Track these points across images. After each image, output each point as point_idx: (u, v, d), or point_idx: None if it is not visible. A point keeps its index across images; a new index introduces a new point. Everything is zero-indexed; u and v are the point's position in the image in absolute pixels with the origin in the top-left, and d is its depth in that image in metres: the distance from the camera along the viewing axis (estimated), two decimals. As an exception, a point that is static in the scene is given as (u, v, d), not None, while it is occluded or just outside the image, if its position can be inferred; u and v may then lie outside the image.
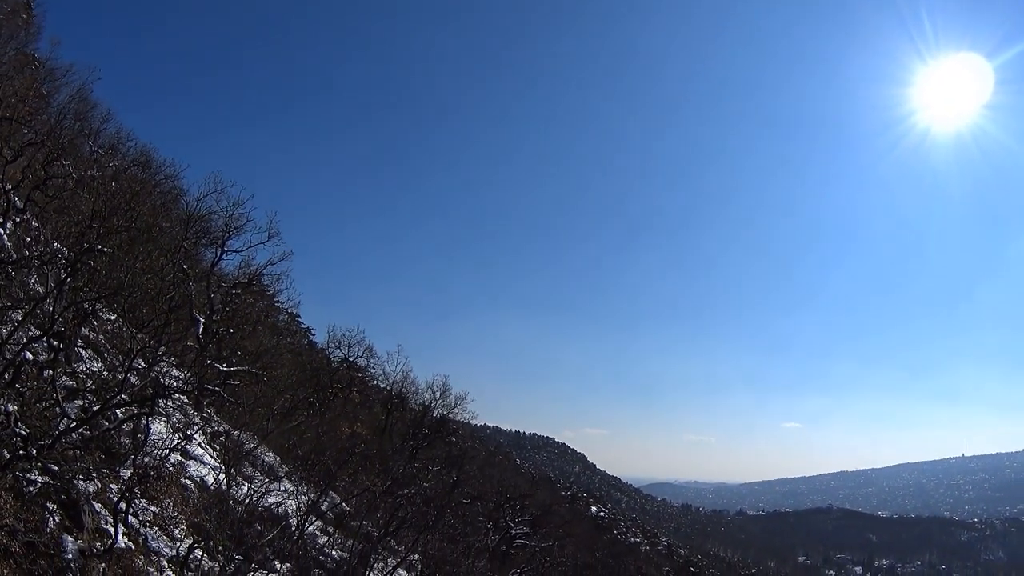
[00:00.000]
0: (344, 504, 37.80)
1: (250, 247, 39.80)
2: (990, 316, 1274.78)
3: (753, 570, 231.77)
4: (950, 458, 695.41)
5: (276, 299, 52.05)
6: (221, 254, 39.12)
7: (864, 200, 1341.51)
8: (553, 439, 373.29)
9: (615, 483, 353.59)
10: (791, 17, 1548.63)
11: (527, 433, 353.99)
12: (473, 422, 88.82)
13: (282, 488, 30.78)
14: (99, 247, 21.74)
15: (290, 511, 29.06)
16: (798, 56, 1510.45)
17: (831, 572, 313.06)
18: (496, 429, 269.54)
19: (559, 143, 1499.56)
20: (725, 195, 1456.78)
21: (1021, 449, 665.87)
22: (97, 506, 17.20)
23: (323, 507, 34.60)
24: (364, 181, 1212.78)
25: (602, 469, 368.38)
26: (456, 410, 71.81)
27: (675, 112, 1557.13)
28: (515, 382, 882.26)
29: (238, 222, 38.30)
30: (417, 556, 36.32)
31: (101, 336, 28.14)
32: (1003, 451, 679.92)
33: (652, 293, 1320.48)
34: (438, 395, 70.47)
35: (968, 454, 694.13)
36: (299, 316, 69.66)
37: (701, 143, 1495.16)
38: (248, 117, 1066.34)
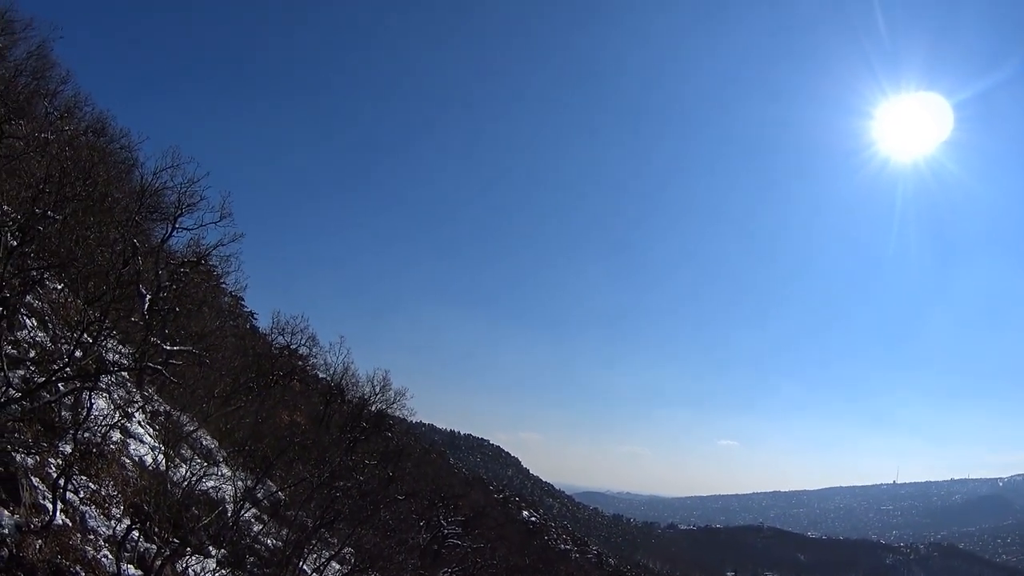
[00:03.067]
0: (280, 493, 37.42)
1: (201, 226, 39.10)
2: (930, 349, 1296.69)
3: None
4: (881, 484, 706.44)
5: (222, 281, 51.22)
6: (172, 231, 38.41)
7: (820, 226, 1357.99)
8: (488, 441, 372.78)
9: (548, 489, 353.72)
10: (759, 44, 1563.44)
11: (462, 433, 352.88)
12: (410, 419, 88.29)
13: (219, 473, 30.41)
14: (51, 214, 21.26)
15: (227, 497, 28.68)
16: (763, 82, 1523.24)
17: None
18: (431, 427, 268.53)
19: (513, 148, 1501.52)
20: (680, 212, 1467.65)
21: (949, 479, 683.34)
22: (35, 481, 16.79)
23: (259, 495, 34.21)
24: (318, 170, 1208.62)
25: (535, 474, 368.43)
26: (395, 405, 71.61)
27: (632, 126, 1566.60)
28: (453, 381, 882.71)
29: (192, 199, 37.58)
30: (350, 550, 35.93)
31: (47, 306, 27.53)
32: (932, 479, 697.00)
33: (597, 303, 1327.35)
34: (378, 389, 70.17)
35: (899, 481, 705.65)
36: (244, 300, 68.94)
37: (659, 158, 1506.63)
38: (207, 95, 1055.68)
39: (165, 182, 37.00)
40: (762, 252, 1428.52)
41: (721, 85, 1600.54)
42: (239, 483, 30.17)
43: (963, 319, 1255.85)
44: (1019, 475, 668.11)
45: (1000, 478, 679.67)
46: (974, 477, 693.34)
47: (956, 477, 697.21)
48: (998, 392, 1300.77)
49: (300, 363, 65.36)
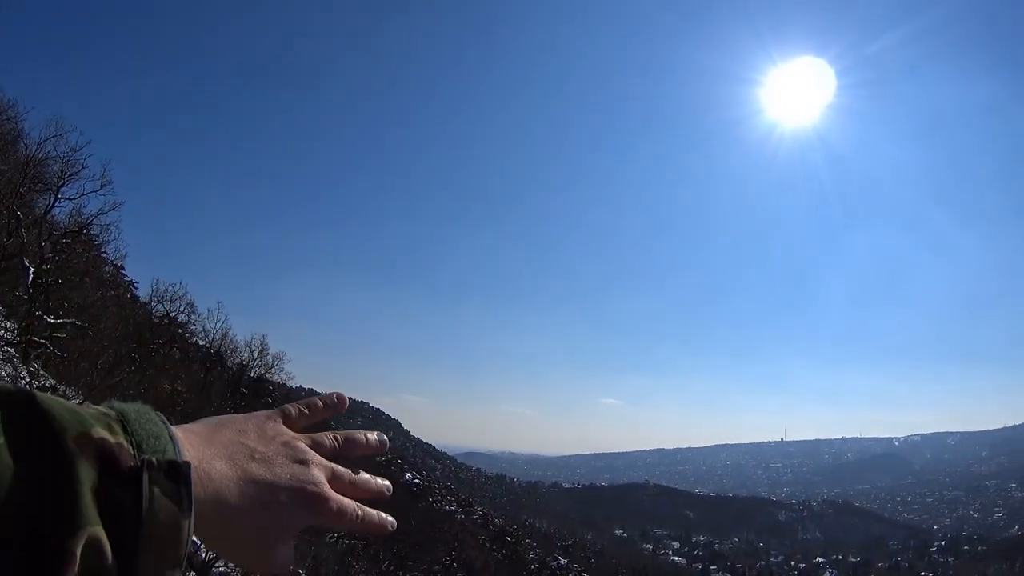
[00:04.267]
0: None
1: (83, 195, 38.82)
2: (820, 311, 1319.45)
3: (570, 541, 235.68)
4: (769, 442, 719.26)
5: (103, 250, 50.82)
6: (55, 201, 38.20)
7: (710, 190, 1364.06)
8: (368, 404, 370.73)
9: (429, 450, 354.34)
10: (647, 13, 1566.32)
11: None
12: (289, 384, 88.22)
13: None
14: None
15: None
16: (651, 50, 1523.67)
17: (648, 546, 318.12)
18: (312, 391, 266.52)
19: (396, 109, 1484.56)
20: (569, 178, 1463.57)
21: (840, 437, 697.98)
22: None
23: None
24: (203, 139, 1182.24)
25: (416, 436, 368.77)
26: (273, 370, 71.64)
27: (519, 95, 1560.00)
28: (333, 346, 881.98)
29: (74, 168, 37.41)
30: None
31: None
32: (822, 438, 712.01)
33: (478, 264, 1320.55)
34: (256, 354, 70.15)
35: (788, 439, 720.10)
36: (124, 269, 68.14)
37: (548, 124, 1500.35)
38: (96, 60, 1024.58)
39: (49, 152, 36.81)
40: (653, 218, 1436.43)
41: (613, 53, 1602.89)
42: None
43: (856, 284, 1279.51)
44: (916, 435, 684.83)
45: (896, 437, 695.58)
46: (867, 436, 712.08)
47: (848, 436, 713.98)
48: (891, 357, 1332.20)
49: (179, 331, 65.01)
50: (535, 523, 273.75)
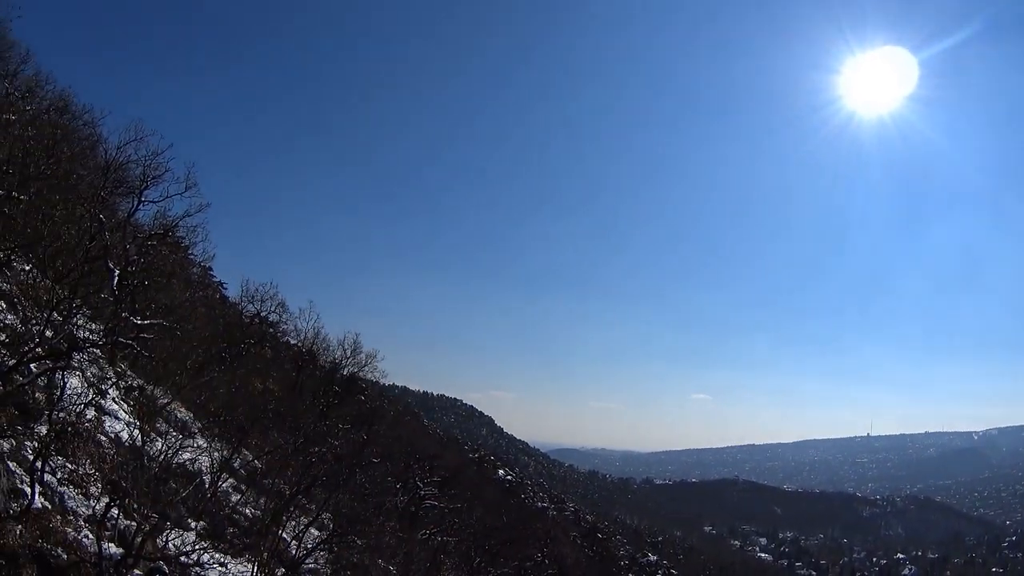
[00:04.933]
0: (256, 462, 37.62)
1: (167, 198, 38.89)
2: (902, 302, 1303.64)
3: (660, 538, 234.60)
4: (856, 437, 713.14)
5: (191, 252, 51.08)
6: (138, 204, 38.32)
7: (789, 181, 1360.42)
8: (461, 401, 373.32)
9: (522, 447, 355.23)
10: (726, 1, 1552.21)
11: (435, 394, 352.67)
12: (382, 381, 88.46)
13: (195, 444, 30.52)
14: (16, 195, 21.22)
15: (203, 468, 28.83)
16: (727, 39, 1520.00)
17: (736, 542, 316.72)
18: (404, 389, 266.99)
19: (478, 109, 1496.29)
20: (648, 170, 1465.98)
21: (924, 431, 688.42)
22: (12, 465, 16.87)
23: (236, 464, 34.39)
24: (284, 137, 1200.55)
25: (509, 433, 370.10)
26: (366, 368, 71.57)
27: (597, 85, 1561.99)
28: (425, 343, 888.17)
29: (156, 172, 37.41)
30: (329, 515, 36.17)
31: (15, 287, 27.48)
32: (907, 432, 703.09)
33: (568, 261, 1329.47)
34: (349, 353, 70.18)
35: (874, 434, 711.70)
36: (212, 270, 68.70)
37: (625, 116, 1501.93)
38: (172, 65, 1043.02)
39: (129, 156, 36.91)
40: (733, 209, 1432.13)
41: (687, 42, 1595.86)
42: (215, 454, 30.29)
43: (937, 276, 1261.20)
44: (994, 429, 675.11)
45: (975, 431, 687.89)
46: (949, 430, 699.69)
47: (931, 430, 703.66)
48: (972, 348, 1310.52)
49: (271, 330, 65.30)
50: (626, 519, 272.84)
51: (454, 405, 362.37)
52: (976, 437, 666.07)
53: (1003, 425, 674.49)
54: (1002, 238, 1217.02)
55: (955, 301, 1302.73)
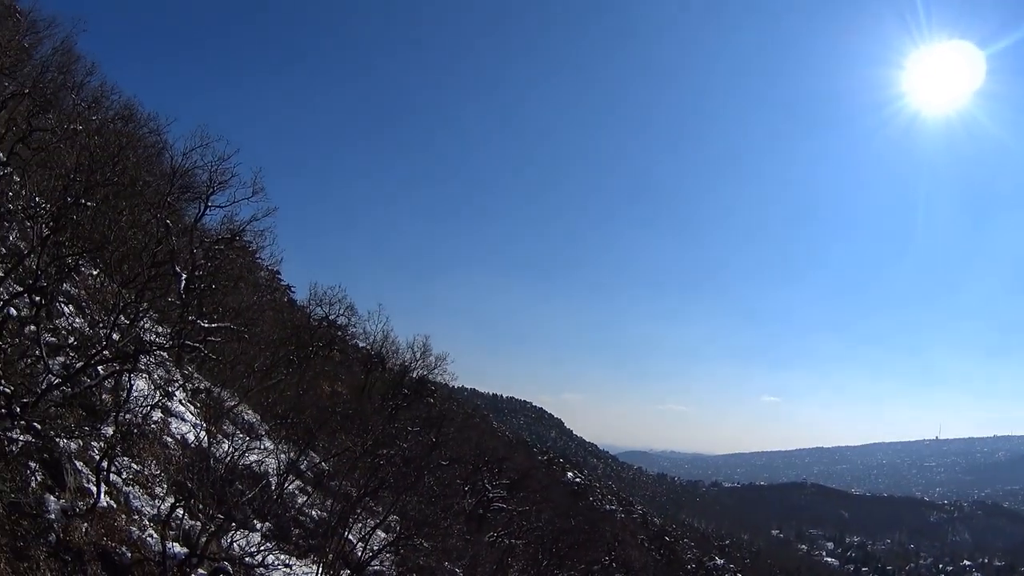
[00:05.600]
0: (323, 464, 37.81)
1: (234, 202, 39.36)
2: (971, 303, 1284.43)
3: (727, 541, 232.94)
4: (924, 440, 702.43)
5: (258, 255, 51.63)
6: (205, 209, 38.85)
7: (855, 179, 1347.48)
8: (530, 403, 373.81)
9: (591, 450, 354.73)
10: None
11: (504, 396, 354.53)
12: (452, 384, 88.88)
13: (262, 447, 30.77)
14: (83, 201, 21.53)
15: (270, 470, 29.05)
16: (792, 36, 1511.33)
17: (803, 547, 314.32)
18: (474, 392, 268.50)
19: (551, 110, 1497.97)
20: (719, 169, 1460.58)
21: (992, 435, 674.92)
22: (79, 465, 17.10)
23: (302, 466, 34.63)
24: (352, 140, 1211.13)
25: (578, 435, 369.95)
26: (436, 371, 71.91)
27: (668, 86, 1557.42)
28: (494, 345, 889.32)
29: (222, 177, 37.88)
30: (396, 517, 36.28)
31: (83, 292, 27.91)
32: (976, 436, 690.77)
33: (639, 262, 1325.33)
34: (418, 355, 70.51)
35: (942, 437, 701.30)
36: (280, 273, 69.30)
37: (695, 117, 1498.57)
38: (238, 70, 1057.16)
39: (195, 162, 37.41)
40: (799, 208, 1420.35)
41: (755, 40, 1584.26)
42: (282, 456, 30.50)
43: (1007, 274, 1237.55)
44: None
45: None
46: (1018, 434, 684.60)
47: (1000, 434, 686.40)
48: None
49: (339, 333, 65.68)
50: (694, 523, 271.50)
51: (523, 407, 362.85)
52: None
53: None
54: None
55: None
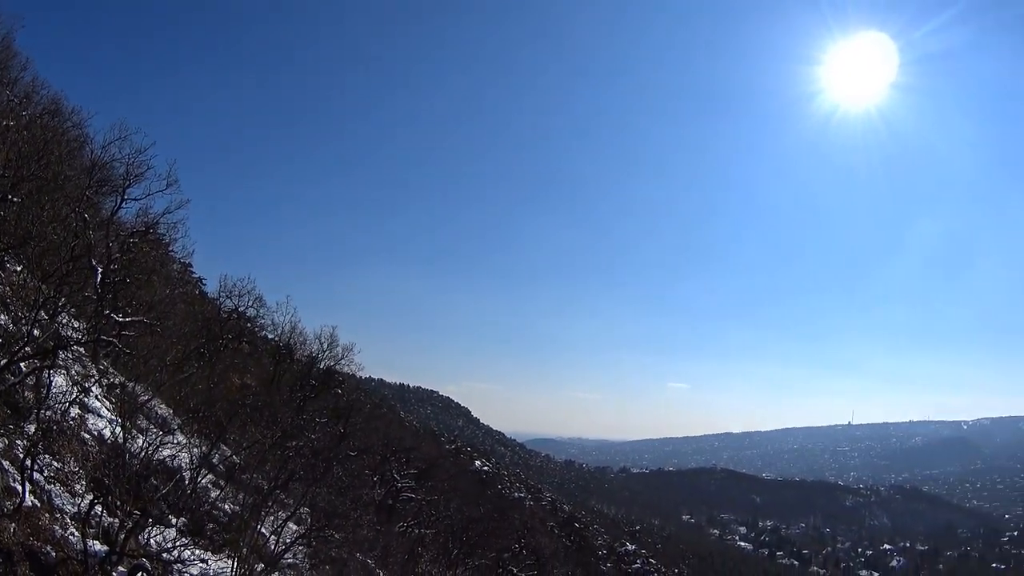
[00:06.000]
0: (235, 457, 38.12)
1: (149, 195, 39.33)
2: (887, 291, 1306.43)
3: (637, 527, 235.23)
4: (836, 425, 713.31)
5: (171, 248, 51.55)
6: (121, 202, 38.79)
7: (769, 173, 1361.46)
8: (437, 392, 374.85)
9: (498, 438, 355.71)
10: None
11: (411, 386, 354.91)
12: (359, 374, 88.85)
13: (175, 441, 30.99)
14: (9, 197, 21.83)
15: (183, 464, 29.33)
16: (712, 33, 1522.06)
17: (715, 531, 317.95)
18: (381, 381, 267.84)
19: (458, 101, 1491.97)
20: (627, 160, 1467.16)
21: (908, 420, 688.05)
22: (5, 464, 17.47)
23: (215, 460, 34.89)
24: (260, 133, 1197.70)
25: (485, 424, 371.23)
26: (343, 361, 72.02)
27: (579, 77, 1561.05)
28: (401, 335, 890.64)
29: (139, 170, 37.86)
30: (306, 509, 36.74)
31: (7, 288, 28.03)
32: (890, 421, 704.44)
33: (547, 252, 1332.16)
34: (326, 346, 70.62)
35: (855, 422, 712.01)
36: (192, 266, 69.01)
37: (604, 109, 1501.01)
38: (156, 63, 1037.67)
39: (114, 155, 37.40)
40: (713, 199, 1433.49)
41: (670, 35, 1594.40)
42: (195, 450, 30.75)
43: (924, 265, 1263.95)
44: (986, 419, 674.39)
45: (964, 421, 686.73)
46: (935, 419, 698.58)
47: (915, 419, 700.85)
48: (959, 338, 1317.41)
49: (248, 325, 65.62)
50: (603, 509, 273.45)
51: (430, 397, 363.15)
52: (966, 427, 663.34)
53: (996, 415, 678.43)
54: (991, 227, 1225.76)
55: (942, 290, 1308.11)
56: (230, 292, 59.47)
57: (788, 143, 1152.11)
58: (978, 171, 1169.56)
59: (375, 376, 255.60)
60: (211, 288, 71.52)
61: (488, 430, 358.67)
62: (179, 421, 36.97)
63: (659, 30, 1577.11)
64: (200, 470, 29.53)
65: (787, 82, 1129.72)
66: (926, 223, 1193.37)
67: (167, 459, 27.88)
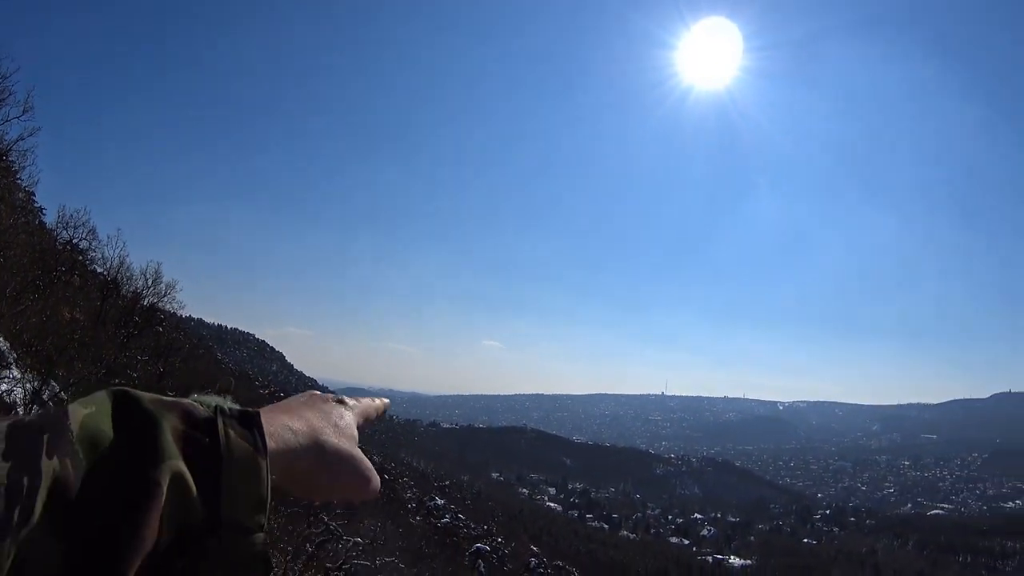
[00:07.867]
0: (63, 394, 39.60)
1: (6, 121, 39.22)
2: (711, 271, 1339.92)
3: (447, 482, 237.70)
4: (650, 395, 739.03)
5: (18, 176, 51.87)
6: (-24, 128, 39.11)
7: (612, 145, 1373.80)
8: (253, 335, 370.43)
9: (311, 384, 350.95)
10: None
11: (229, 328, 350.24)
12: (180, 313, 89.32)
13: (11, 376, 32.37)
14: None
15: (18, 400, 30.87)
16: (571, 19, 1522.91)
17: (524, 490, 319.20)
18: (200, 322, 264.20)
19: (284, 34, 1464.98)
20: (461, 110, 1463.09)
21: (723, 396, 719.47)
22: None
23: (45, 396, 36.40)
24: (104, 61, 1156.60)
25: (299, 370, 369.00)
26: (165, 299, 72.75)
27: (437, 35, 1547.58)
28: (223, 274, 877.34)
29: (1, 96, 38.50)
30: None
31: None
32: (704, 395, 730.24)
33: (367, 201, 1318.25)
34: (150, 283, 71.20)
35: (668, 393, 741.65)
36: (35, 195, 68.92)
37: (453, 72, 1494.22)
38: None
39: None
40: (549, 162, 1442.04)
41: (531, 20, 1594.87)
42: (28, 385, 32.14)
43: (752, 247, 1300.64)
44: (802, 401, 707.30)
45: (780, 401, 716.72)
46: (750, 398, 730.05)
47: (731, 395, 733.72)
48: (779, 321, 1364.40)
49: (80, 258, 65.98)
50: (413, 462, 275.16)
51: (246, 339, 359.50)
52: (781, 407, 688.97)
53: (812, 399, 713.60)
54: (822, 217, 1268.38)
55: (769, 276, 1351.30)
56: (67, 223, 59.97)
57: (635, 119, 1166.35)
58: (817, 163, 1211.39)
59: (195, 316, 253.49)
60: (51, 219, 71.51)
61: (301, 376, 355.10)
62: (15, 355, 38.20)
63: (519, 16, 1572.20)
64: (31, 407, 30.93)
65: (640, 65, 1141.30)
66: (761, 207, 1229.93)
67: (3, 394, 29.30)
